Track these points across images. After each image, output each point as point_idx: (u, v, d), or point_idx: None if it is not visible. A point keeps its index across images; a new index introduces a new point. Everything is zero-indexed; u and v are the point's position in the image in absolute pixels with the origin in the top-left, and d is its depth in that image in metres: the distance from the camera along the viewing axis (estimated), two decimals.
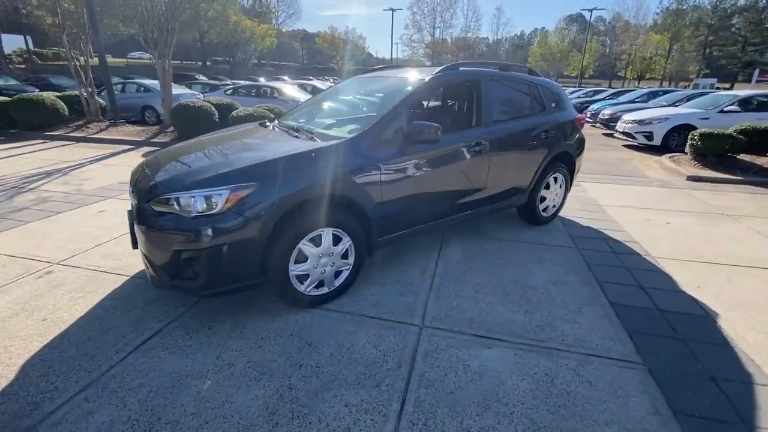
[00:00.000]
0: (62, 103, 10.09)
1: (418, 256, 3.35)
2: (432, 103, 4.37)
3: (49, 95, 9.93)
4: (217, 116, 8.95)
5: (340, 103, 3.61)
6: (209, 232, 2.06)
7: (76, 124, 10.18)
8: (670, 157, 7.52)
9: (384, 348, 2.19)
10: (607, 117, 12.00)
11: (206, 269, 2.11)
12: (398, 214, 2.78)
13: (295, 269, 2.36)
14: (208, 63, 41.61)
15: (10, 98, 9.75)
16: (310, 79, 22.05)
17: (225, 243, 2.09)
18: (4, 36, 26.09)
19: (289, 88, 12.67)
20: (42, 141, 9.06)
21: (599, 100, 16.44)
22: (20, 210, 4.34)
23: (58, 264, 3.12)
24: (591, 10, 35.36)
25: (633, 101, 13.62)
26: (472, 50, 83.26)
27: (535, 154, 3.64)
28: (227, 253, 2.11)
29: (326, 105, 3.70)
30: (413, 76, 3.12)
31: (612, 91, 18.60)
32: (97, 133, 9.62)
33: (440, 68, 3.15)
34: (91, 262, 3.14)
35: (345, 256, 2.58)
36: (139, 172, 2.59)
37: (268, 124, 3.38)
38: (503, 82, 3.47)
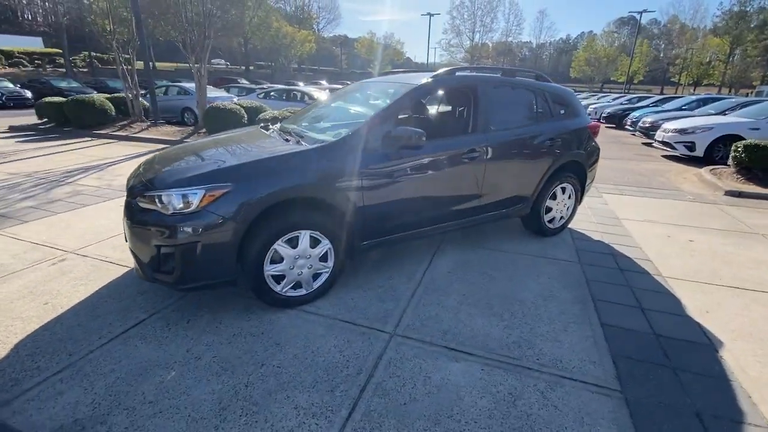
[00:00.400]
0: (110, 105, 10.92)
1: (409, 262, 3.30)
2: (442, 109, 4.31)
3: (98, 97, 10.79)
4: (245, 118, 9.34)
5: (340, 107, 3.64)
6: (184, 229, 2.15)
7: (121, 123, 10.98)
8: (711, 170, 6.94)
9: (349, 353, 2.18)
10: (647, 125, 11.28)
11: (181, 264, 2.20)
12: (382, 220, 2.77)
13: (270, 269, 2.41)
14: (251, 67, 43.51)
15: (65, 99, 10.69)
16: (347, 83, 22.45)
17: (199, 240, 2.17)
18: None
19: (319, 92, 12.97)
20: (90, 138, 9.84)
21: (643, 107, 15.50)
22: (54, 202, 4.73)
23: (72, 252, 3.37)
24: (641, 12, 33.44)
25: (679, 109, 12.73)
26: (513, 55, 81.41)
27: (537, 163, 3.49)
28: (201, 250, 2.19)
29: (327, 109, 3.75)
30: (409, 82, 3.10)
31: (658, 97, 17.49)
32: (138, 132, 10.32)
33: (433, 74, 3.11)
34: (100, 252, 3.37)
35: (324, 258, 2.60)
36: (136, 170, 2.75)
37: (271, 127, 3.47)
38: (504, 88, 3.36)
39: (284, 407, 1.81)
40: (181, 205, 2.16)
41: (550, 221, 3.86)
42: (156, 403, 1.83)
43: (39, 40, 27.04)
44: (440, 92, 3.77)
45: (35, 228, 3.89)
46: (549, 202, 3.75)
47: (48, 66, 27.94)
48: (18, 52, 27.87)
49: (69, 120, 10.68)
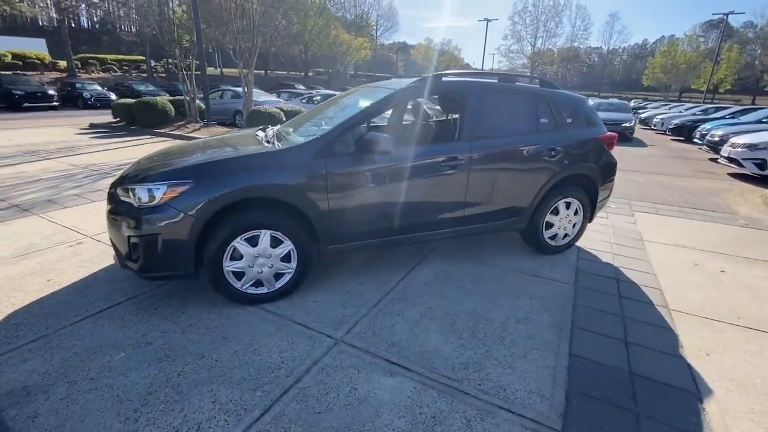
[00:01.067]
0: (171, 106, 12.02)
1: (389, 269, 3.24)
2: (427, 115, 4.16)
3: (161, 99, 11.93)
4: (284, 121, 9.78)
5: (334, 112, 3.67)
6: (147, 221, 2.30)
7: (178, 123, 12.03)
8: None
9: (287, 355, 2.18)
10: (716, 139, 10.04)
11: (143, 254, 2.35)
12: (350, 225, 2.75)
13: (230, 266, 2.49)
14: (310, 74, 45.56)
15: (134, 100, 11.96)
16: None
17: (159, 233, 2.31)
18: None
19: None
20: (150, 136, 10.89)
21: (717, 118, 13.84)
22: (96, 191, 5.29)
23: (90, 237, 3.74)
24: (726, 15, 29.81)
25: (759, 121, 11.18)
26: (580, 60, 76.81)
27: (534, 174, 3.25)
28: (162, 242, 2.32)
29: (322, 113, 3.80)
30: (391, 87, 3.05)
31: (737, 108, 15.51)
32: (191, 132, 11.23)
33: (415, 79, 3.03)
34: None
35: (287, 259, 2.63)
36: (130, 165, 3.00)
37: (268, 129, 3.59)
38: (498, 94, 3.18)
39: (204, 400, 1.86)
40: (147, 199, 2.32)
41: (551, 238, 3.58)
42: (96, 380, 1.97)
43: (42, 42, 29.64)
44: (425, 98, 3.63)
45: (71, 213, 4.38)
46: (550, 218, 3.48)
47: (133, 71, 31.55)
48: (110, 60, 31.84)
49: (136, 119, 11.93)
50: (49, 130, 11.48)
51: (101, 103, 18.79)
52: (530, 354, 2.26)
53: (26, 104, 16.48)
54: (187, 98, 12.13)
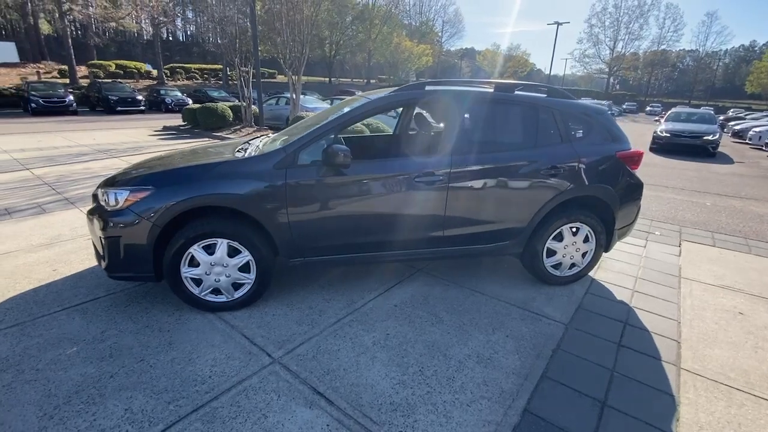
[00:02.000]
0: (230, 111, 12.97)
1: (364, 287, 3.08)
2: (406, 126, 3.90)
3: (221, 105, 12.91)
4: None
5: (318, 120, 3.61)
6: (111, 223, 2.41)
7: (234, 127, 12.92)
8: None
9: (218, 370, 2.14)
10: None
11: (108, 255, 2.47)
12: (312, 239, 2.65)
13: (187, 272, 2.53)
14: (373, 81, 46.61)
15: (198, 105, 13.09)
16: None
17: (120, 235, 2.41)
18: None
19: None
20: (208, 139, 11.82)
21: None
22: None
23: None
24: None
25: None
26: (669, 65, 69.27)
27: (530, 194, 2.89)
28: (123, 244, 2.42)
29: (312, 122, 3.75)
30: (368, 97, 2.91)
31: None
32: (244, 135, 12.00)
33: (396, 88, 2.85)
34: None
35: (245, 269, 2.61)
36: None
37: (264, 138, 3.63)
38: (490, 105, 2.88)
39: (119, 406, 1.87)
40: (113, 203, 2.43)
41: (554, 267, 3.16)
42: (40, 371, 2.08)
43: (11, 45, 26.04)
44: (404, 108, 3.43)
45: None
46: (552, 244, 3.07)
47: (212, 79, 34.74)
48: (194, 69, 35.45)
49: (199, 123, 13.04)
50: (129, 131, 12.99)
51: (179, 108, 20.82)
52: (476, 404, 1.97)
53: (119, 108, 18.88)
54: (244, 104, 12.98)
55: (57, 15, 23.20)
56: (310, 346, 2.36)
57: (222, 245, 2.51)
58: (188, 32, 58.96)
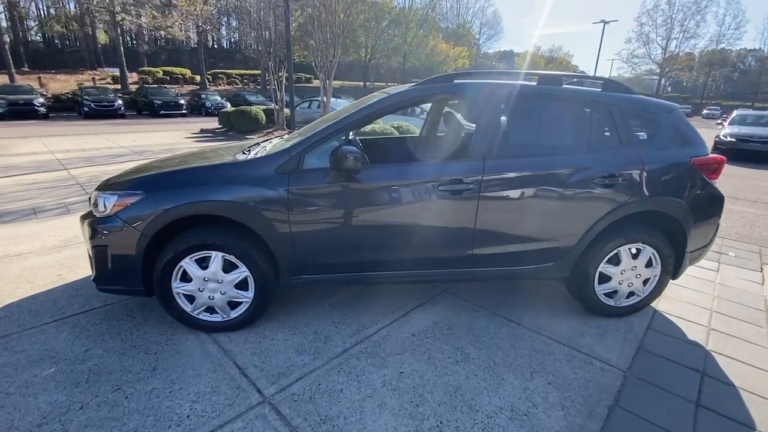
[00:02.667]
0: (262, 114, 13.08)
1: (378, 310, 2.69)
2: (432, 126, 3.44)
3: (254, 108, 13.06)
4: None
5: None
6: (99, 231, 2.19)
7: (267, 130, 13.01)
8: None
9: (199, 408, 1.83)
10: None
11: (95, 265, 2.25)
12: (319, 254, 2.31)
13: (179, 287, 2.25)
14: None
15: (233, 108, 13.30)
16: None
17: (107, 245, 2.17)
18: None
19: None
20: (240, 141, 11.92)
21: None
22: None
23: None
24: None
25: None
26: (729, 65, 63.82)
27: (581, 208, 2.39)
28: (110, 254, 2.19)
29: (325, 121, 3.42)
30: (388, 92, 2.53)
31: None
32: (275, 137, 12.02)
33: (419, 81, 2.45)
34: None
35: (243, 287, 2.31)
36: None
37: (274, 140, 3.34)
38: (530, 100, 2.41)
39: None
40: (102, 209, 2.20)
41: (608, 295, 2.63)
42: (10, 395, 1.86)
43: None
44: (432, 106, 3.01)
45: None
46: (606, 268, 2.55)
47: (251, 84, 35.78)
48: (235, 74, 36.70)
49: (233, 126, 13.25)
50: (168, 134, 13.41)
51: (218, 111, 21.45)
52: None
53: (162, 111, 19.74)
54: (276, 107, 13.04)
55: (111, 25, 24.72)
56: (309, 383, 2.00)
57: (216, 259, 2.22)
58: (231, 40, 61.56)
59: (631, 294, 2.65)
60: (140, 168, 2.58)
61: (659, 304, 2.89)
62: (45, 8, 38.51)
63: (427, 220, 2.30)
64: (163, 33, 27.45)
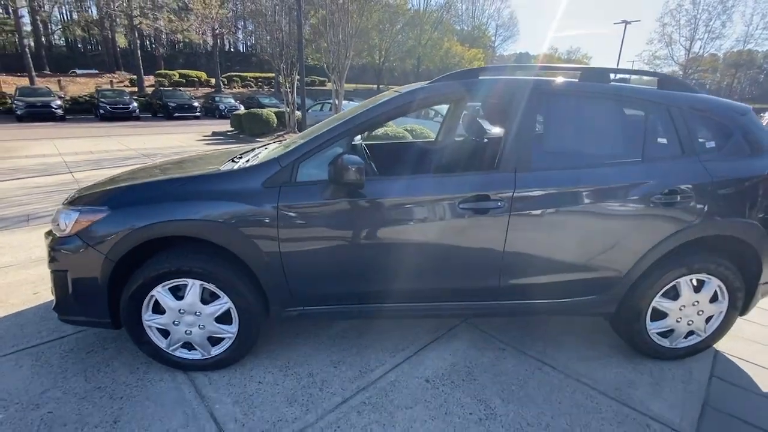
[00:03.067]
0: (274, 117, 12.86)
1: (384, 344, 2.31)
2: (451, 131, 3.02)
3: (265, 111, 12.86)
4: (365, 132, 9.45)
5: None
6: (58, 253, 1.87)
7: (278, 132, 12.78)
8: None
9: None
10: None
11: (55, 292, 1.93)
12: (311, 283, 1.95)
13: (150, 320, 1.92)
14: None
15: (245, 111, 13.13)
16: None
17: (66, 269, 1.85)
18: None
19: None
20: (253, 144, 11.72)
21: None
22: None
23: None
24: None
25: None
26: (756, 67, 61.39)
27: (634, 231, 1.96)
28: (70, 280, 1.86)
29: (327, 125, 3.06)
30: (400, 91, 2.15)
31: None
32: (275, 142, 11.78)
33: (438, 78, 2.07)
34: None
35: (225, 320, 1.95)
36: None
37: (278, 144, 3.01)
38: (575, 100, 2.00)
39: None
40: (62, 227, 1.88)
41: (663, 334, 2.19)
42: None
43: None
44: (450, 107, 2.61)
45: None
46: (661, 302, 2.11)
47: (266, 87, 35.91)
48: (249, 77, 36.90)
49: (244, 129, 13.07)
50: (179, 136, 13.32)
51: (232, 113, 21.52)
52: None
53: (176, 114, 19.79)
54: (287, 110, 12.82)
55: (129, 28, 25.08)
56: None
57: (193, 288, 1.87)
58: (248, 44, 62.32)
59: (690, 333, 2.20)
60: (115, 178, 2.26)
61: (721, 344, 2.42)
62: (68, 13, 39.57)
63: (444, 244, 1.91)
64: (180, 36, 27.73)
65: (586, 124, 2.02)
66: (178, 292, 1.89)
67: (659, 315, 2.15)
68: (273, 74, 36.28)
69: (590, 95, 2.01)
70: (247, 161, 2.15)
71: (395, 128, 8.47)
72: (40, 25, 33.50)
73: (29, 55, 23.16)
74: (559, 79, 2.06)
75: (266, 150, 2.48)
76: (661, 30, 50.66)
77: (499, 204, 1.86)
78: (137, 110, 18.76)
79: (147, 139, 12.09)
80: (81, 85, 27.30)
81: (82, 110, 20.41)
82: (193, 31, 27.16)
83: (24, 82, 22.52)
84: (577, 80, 2.07)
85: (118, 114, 18.09)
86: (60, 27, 36.94)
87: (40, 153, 9.24)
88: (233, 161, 2.21)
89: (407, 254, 1.91)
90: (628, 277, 2.04)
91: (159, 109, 20.89)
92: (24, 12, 25.63)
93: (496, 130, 2.84)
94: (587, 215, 1.93)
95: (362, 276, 1.95)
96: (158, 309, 1.91)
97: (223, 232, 1.79)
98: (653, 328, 2.16)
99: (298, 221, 1.83)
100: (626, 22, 29.42)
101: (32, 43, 32.62)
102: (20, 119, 16.24)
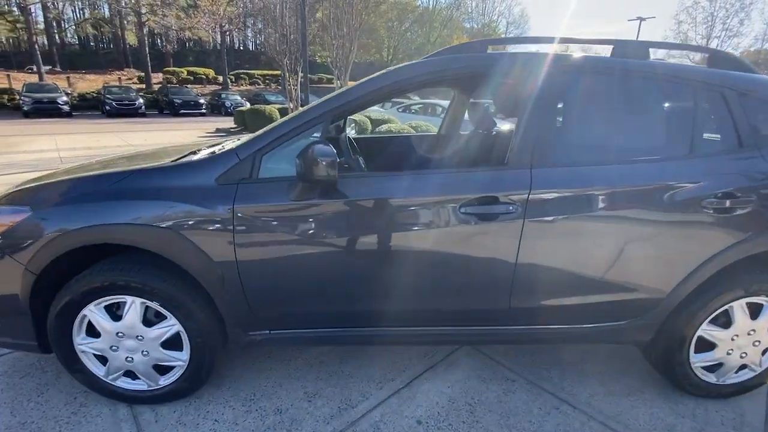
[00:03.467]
0: (277, 113, 12.58)
1: (370, 372, 1.95)
2: (455, 117, 2.63)
3: (268, 107, 12.58)
4: (369, 128, 9.13)
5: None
6: None
7: None
8: None
9: None
10: None
11: None
12: (278, 302, 1.60)
13: (84, 344, 1.59)
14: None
15: (248, 108, 12.88)
16: None
17: None
18: None
19: None
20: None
21: None
22: None
23: None
24: None
25: None
26: None
27: (680, 242, 1.58)
28: None
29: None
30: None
31: None
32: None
33: (438, 51, 1.69)
34: None
35: (173, 345, 1.61)
36: None
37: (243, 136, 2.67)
38: (605, 80, 1.61)
39: None
40: None
41: (710, 368, 1.79)
42: None
43: None
44: (455, 94, 2.23)
45: None
46: (708, 330, 1.72)
47: (273, 84, 35.76)
48: (257, 74, 36.78)
49: (248, 125, 12.82)
50: (182, 132, 13.11)
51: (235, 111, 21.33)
52: None
53: (182, 111, 19.65)
54: (291, 105, 12.54)
55: (137, 26, 25.09)
56: None
57: (133, 307, 1.54)
58: (257, 41, 62.47)
59: (742, 367, 1.80)
60: (54, 173, 1.94)
61: None
62: (80, 11, 39.90)
63: (440, 256, 1.54)
64: (188, 34, 27.68)
65: (620, 109, 1.63)
66: (116, 311, 1.56)
67: (706, 345, 1.75)
68: (280, 72, 36.11)
69: (625, 74, 1.62)
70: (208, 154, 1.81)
71: (400, 125, 8.11)
72: (54, 24, 33.79)
73: (38, 52, 23.25)
74: (586, 56, 1.67)
75: (240, 140, 2.13)
76: (677, 28, 49.29)
77: (511, 208, 1.49)
78: (143, 107, 18.65)
79: (149, 136, 11.90)
80: (90, 82, 27.40)
81: (89, 107, 20.41)
82: (201, 28, 27.09)
83: (34, 78, 22.63)
84: (608, 57, 1.68)
85: (123, 110, 17.99)
86: (73, 25, 37.23)
87: (38, 148, 9.07)
88: (194, 154, 1.87)
89: (395, 268, 1.55)
90: (669, 300, 1.65)
91: (165, 106, 20.79)
92: (36, 9, 25.82)
93: (507, 120, 2.46)
94: (620, 222, 1.55)
95: (341, 295, 1.60)
96: (93, 331, 1.58)
97: (164, 238, 1.45)
98: (698, 360, 1.77)
99: (259, 227, 1.48)
100: (641, 19, 28.59)
101: (45, 41, 32.91)
102: (27, 115, 16.23)
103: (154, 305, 1.54)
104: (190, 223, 1.45)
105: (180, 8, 27.78)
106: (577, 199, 1.51)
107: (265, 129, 1.60)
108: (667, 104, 1.64)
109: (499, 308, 1.64)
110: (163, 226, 1.44)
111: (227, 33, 29.69)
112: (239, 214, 1.45)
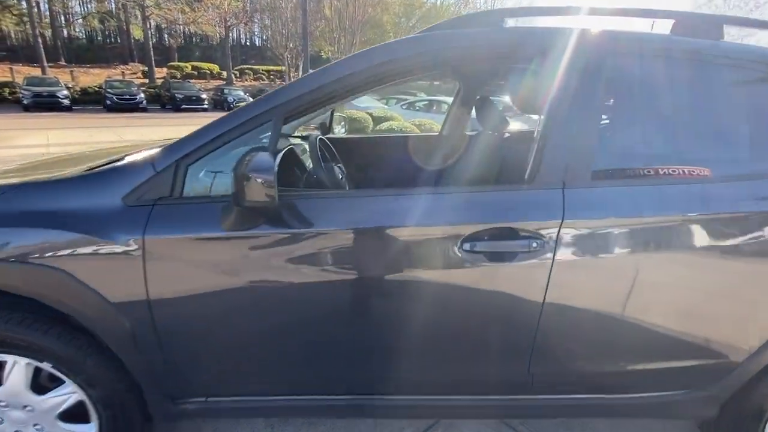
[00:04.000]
0: None
1: None
2: (454, 120, 2.22)
3: None
4: (371, 126, 8.72)
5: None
6: None
7: None
8: None
9: None
10: None
11: None
12: (212, 362, 1.19)
13: None
14: (437, 82, 44.70)
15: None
16: None
17: None
18: None
19: None
20: None
21: None
22: None
23: None
24: None
25: None
26: None
27: (762, 289, 1.14)
28: None
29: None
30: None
31: None
32: None
33: (436, 24, 1.26)
34: None
35: (77, 417, 1.21)
36: None
37: None
38: (669, 67, 1.16)
39: None
40: None
41: None
42: None
43: None
44: (459, 87, 1.78)
45: None
46: None
47: (277, 80, 35.47)
48: (261, 70, 36.43)
49: None
50: (181, 128, 12.70)
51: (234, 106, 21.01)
52: None
53: (184, 106, 19.35)
54: None
55: (141, 19, 24.87)
56: None
57: (17, 368, 1.13)
58: (263, 37, 62.26)
59: None
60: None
61: None
62: (87, 4, 39.81)
63: (434, 308, 1.12)
64: (193, 28, 27.40)
65: (688, 107, 1.19)
66: None
67: None
68: (284, 67, 35.77)
69: (693, 60, 1.18)
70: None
71: (403, 122, 7.66)
72: (61, 17, 33.71)
73: (41, 45, 23.09)
74: (639, 33, 1.23)
75: None
76: None
77: (534, 244, 1.06)
78: (144, 101, 18.38)
79: (146, 131, 11.61)
80: (94, 76, 27.21)
81: (91, 101, 20.17)
82: (205, 22, 26.81)
83: (37, 72, 22.47)
84: (667, 34, 1.24)
85: (124, 105, 17.73)
86: (80, 18, 37.12)
87: (28, 144, 8.79)
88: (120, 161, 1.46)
89: (366, 323, 1.13)
90: (748, 365, 1.21)
91: (168, 101, 20.53)
92: (42, 2, 25.67)
93: (520, 120, 2.02)
94: (690, 264, 1.11)
95: (298, 354, 1.18)
96: None
97: (49, 280, 1.04)
98: None
99: (180, 267, 1.06)
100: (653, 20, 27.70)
101: (51, 34, 32.83)
102: (26, 109, 16.02)
103: (45, 366, 1.13)
104: (81, 258, 1.04)
105: (185, 2, 27.51)
106: (631, 232, 1.07)
107: (195, 129, 1.18)
108: (752, 102, 1.19)
109: (517, 374, 1.21)
110: (49, 265, 1.03)
111: (232, 28, 29.37)
112: (151, 249, 1.04)
